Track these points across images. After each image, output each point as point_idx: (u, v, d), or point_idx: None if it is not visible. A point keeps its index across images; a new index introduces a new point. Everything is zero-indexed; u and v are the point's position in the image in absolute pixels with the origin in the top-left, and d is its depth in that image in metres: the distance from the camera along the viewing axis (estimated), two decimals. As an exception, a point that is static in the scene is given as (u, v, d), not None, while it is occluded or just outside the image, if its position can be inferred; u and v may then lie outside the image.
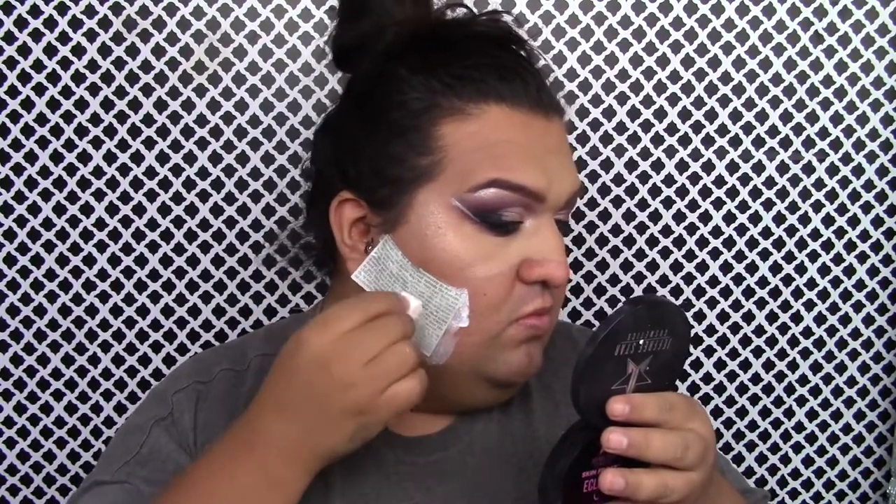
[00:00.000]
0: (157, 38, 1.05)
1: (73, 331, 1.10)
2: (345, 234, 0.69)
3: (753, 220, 1.15)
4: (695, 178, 1.13)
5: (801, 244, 1.16)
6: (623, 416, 0.55)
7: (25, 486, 1.13)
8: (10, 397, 1.11)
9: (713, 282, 1.16)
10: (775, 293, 1.16)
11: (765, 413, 1.19)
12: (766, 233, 1.15)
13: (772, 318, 1.17)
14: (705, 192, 1.14)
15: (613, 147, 1.12)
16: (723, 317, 1.17)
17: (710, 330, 1.17)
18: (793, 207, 1.15)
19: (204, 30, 1.06)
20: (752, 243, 1.15)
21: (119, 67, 1.06)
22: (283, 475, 0.59)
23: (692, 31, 1.10)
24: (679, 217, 1.14)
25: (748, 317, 1.17)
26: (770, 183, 1.14)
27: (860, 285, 1.17)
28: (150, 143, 1.08)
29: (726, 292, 1.16)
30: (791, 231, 1.15)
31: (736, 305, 1.16)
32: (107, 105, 1.06)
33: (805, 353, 1.18)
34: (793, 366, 1.18)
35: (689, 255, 1.15)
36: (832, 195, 1.15)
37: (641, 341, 0.56)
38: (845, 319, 1.18)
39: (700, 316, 1.16)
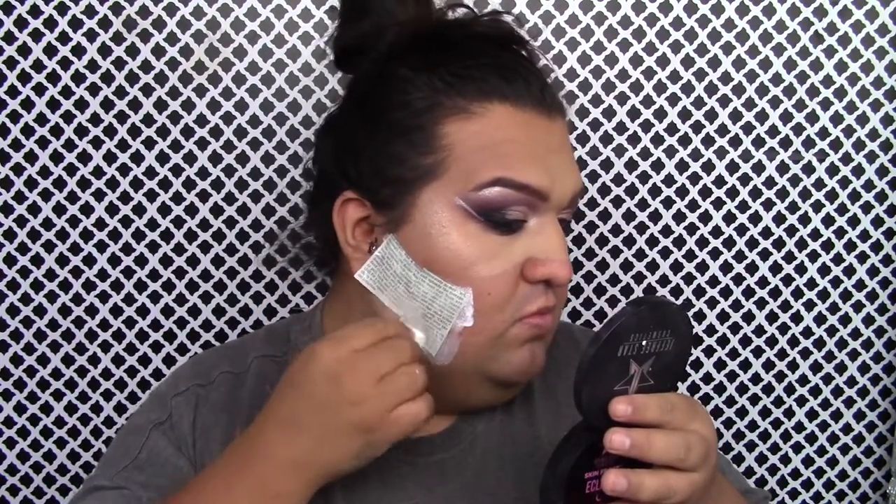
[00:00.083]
0: (157, 38, 1.05)
1: (73, 331, 1.10)
2: (348, 233, 0.69)
3: (753, 220, 1.15)
4: (695, 178, 1.13)
5: (801, 244, 1.16)
6: (625, 417, 0.55)
7: (25, 486, 1.13)
8: (10, 397, 1.11)
9: (713, 282, 1.16)
10: (775, 293, 1.16)
11: (765, 413, 1.19)
12: (766, 233, 1.15)
13: (772, 318, 1.17)
14: (705, 192, 1.14)
15: (613, 147, 1.12)
16: (723, 317, 1.17)
17: (710, 330, 1.17)
18: (793, 207, 1.15)
19: (204, 30, 1.06)
20: (751, 243, 1.15)
21: (119, 67, 1.05)
22: (284, 489, 0.59)
23: (692, 31, 1.10)
24: (679, 217, 1.14)
25: (748, 317, 1.17)
26: (770, 183, 1.14)
27: (860, 285, 1.17)
28: (149, 143, 1.07)
29: (726, 292, 1.16)
30: (791, 231, 1.15)
31: (736, 305, 1.16)
32: (107, 105, 1.06)
33: (805, 353, 1.18)
34: (793, 366, 1.18)
35: (689, 255, 1.15)
36: (832, 195, 1.15)
37: (644, 342, 0.56)
38: (845, 319, 1.18)
39: (700, 316, 1.16)
